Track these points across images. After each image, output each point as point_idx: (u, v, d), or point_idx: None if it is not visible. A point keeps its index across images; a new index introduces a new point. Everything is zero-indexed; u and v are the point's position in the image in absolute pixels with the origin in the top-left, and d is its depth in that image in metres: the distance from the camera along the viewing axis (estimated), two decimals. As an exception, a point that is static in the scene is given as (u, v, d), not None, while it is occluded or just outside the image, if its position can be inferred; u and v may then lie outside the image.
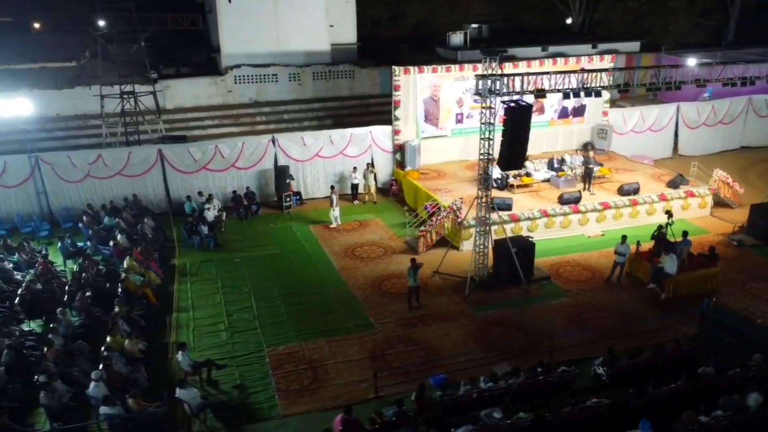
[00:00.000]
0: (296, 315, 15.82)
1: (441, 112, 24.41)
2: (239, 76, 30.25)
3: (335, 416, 11.90)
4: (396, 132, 24.02)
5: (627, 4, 38.28)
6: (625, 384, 12.16)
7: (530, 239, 17.60)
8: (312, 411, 12.34)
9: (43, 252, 18.48)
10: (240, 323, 15.46)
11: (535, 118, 24.92)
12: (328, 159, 23.77)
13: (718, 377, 11.97)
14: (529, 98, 16.58)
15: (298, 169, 23.36)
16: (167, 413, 11.63)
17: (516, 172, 22.51)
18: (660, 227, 17.88)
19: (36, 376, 12.28)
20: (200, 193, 22.09)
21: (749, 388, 11.16)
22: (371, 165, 23.77)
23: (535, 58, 33.33)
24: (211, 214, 20.82)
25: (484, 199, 16.75)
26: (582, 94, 16.80)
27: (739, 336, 13.41)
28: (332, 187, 21.69)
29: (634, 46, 37.29)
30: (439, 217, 19.27)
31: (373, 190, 23.63)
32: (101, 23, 28.26)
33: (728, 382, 11.84)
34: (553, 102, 25.67)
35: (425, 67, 24.05)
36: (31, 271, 17.54)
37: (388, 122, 25.37)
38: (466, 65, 24.88)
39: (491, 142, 16.44)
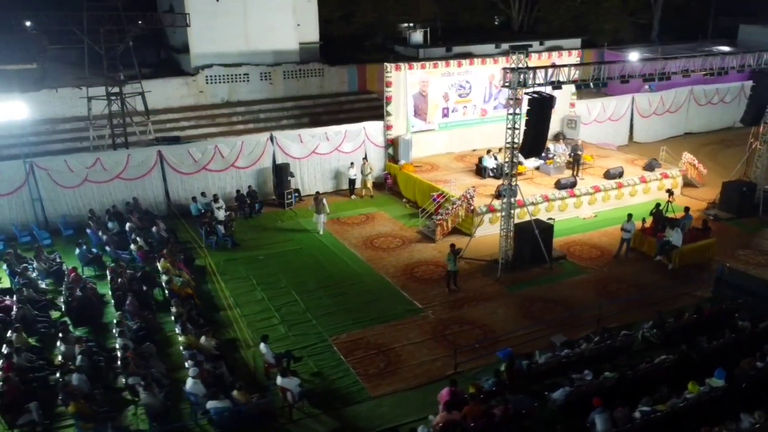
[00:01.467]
0: (344, 305, 16.24)
1: (429, 107, 25.34)
2: (211, 76, 29.85)
3: (424, 393, 12.72)
4: (388, 127, 24.71)
5: (567, 4, 40.84)
6: (672, 344, 13.59)
7: (551, 221, 18.88)
8: (399, 390, 12.92)
9: (57, 260, 17.82)
10: (291, 316, 15.70)
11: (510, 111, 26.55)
12: (324, 156, 24.13)
13: (753, 329, 13.66)
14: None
15: (295, 167, 23.55)
16: (272, 403, 11.88)
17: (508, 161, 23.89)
18: (657, 205, 19.72)
19: (125, 380, 12.13)
20: (203, 194, 21.91)
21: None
22: (362, 160, 24.32)
23: (491, 55, 35.13)
24: (221, 214, 20.70)
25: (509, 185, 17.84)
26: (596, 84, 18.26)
27: (754, 295, 15.23)
28: (317, 193, 21.25)
29: (576, 42, 39.88)
30: (454, 206, 20.19)
31: (369, 184, 24.21)
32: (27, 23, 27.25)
33: (765, 332, 13.54)
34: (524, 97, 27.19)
35: (414, 64, 24.93)
36: (48, 279, 17.02)
37: (362, 119, 26.34)
38: (451, 61, 25.87)
39: (516, 131, 17.47)
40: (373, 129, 24.69)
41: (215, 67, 29.83)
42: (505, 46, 38.06)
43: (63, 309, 15.32)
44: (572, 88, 28.07)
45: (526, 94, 17.15)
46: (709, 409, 11.25)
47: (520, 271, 18.01)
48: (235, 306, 16.18)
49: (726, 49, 38.69)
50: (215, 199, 21.31)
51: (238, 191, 22.49)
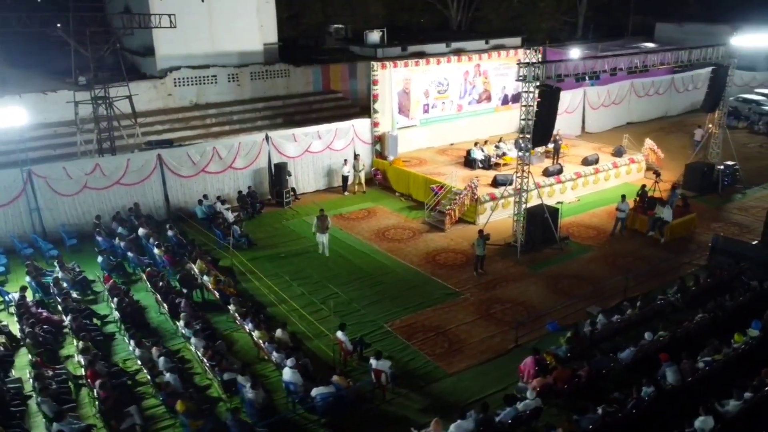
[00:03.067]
0: (386, 294, 16.84)
1: (411, 104, 26.25)
2: (179, 78, 29.23)
3: (495, 366, 13.71)
4: (375, 124, 25.39)
5: (506, 4, 43.03)
6: (693, 306, 15.28)
7: (559, 203, 20.33)
8: (472, 366, 13.78)
9: (77, 269, 17.24)
10: (339, 307, 16.06)
11: (484, 106, 28.15)
12: (316, 154, 24.47)
13: (762, 287, 15.60)
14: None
15: (290, 166, 23.74)
16: (371, 385, 12.39)
17: (495, 153, 25.30)
18: (643, 187, 21.70)
19: (220, 378, 12.23)
20: (205, 197, 21.74)
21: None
22: (354, 157, 24.88)
23: (443, 54, 36.64)
24: (230, 215, 20.66)
25: (524, 172, 19.10)
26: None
27: (747, 260, 17.29)
28: (321, 211, 19.57)
29: (516, 41, 42.10)
30: (460, 196, 21.23)
31: (362, 180, 24.81)
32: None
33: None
34: (497, 90, 28.79)
35: (398, 62, 25.75)
36: (74, 289, 16.50)
37: (333, 118, 27.10)
38: (431, 59, 26.91)
39: (529, 123, 18.73)
40: (361, 126, 25.28)
41: (183, 69, 29.22)
42: (454, 44, 39.51)
43: (115, 316, 14.95)
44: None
45: (537, 86, 18.38)
46: (754, 355, 12.92)
47: (534, 253, 19.30)
48: (280, 302, 16.37)
49: (651, 45, 42.31)
50: (222, 201, 21.21)
51: (240, 192, 22.45)
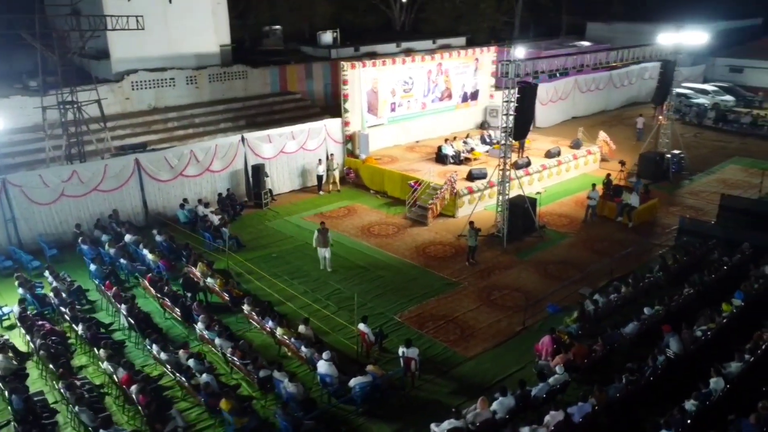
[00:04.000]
0: (387, 287, 17.27)
1: (379, 103, 26.75)
2: (137, 81, 28.45)
3: (509, 348, 14.48)
4: (346, 123, 25.72)
5: (449, 5, 44.20)
6: (674, 283, 16.61)
7: (538, 193, 21.36)
8: (488, 349, 14.46)
9: (68, 279, 16.70)
10: (345, 302, 16.36)
11: (446, 103, 29.07)
12: (290, 154, 24.56)
13: (731, 262, 17.12)
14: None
15: (266, 167, 23.72)
16: (402, 372, 12.83)
17: (464, 148, 26.18)
18: (608, 176, 23.13)
19: (256, 376, 12.32)
20: (186, 200, 21.45)
21: (765, 261, 16.46)
22: (329, 156, 25.15)
23: (394, 54, 37.40)
24: (215, 218, 20.49)
25: (505, 166, 19.99)
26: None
27: (713, 238, 18.86)
28: (322, 224, 18.76)
29: (461, 41, 43.37)
30: (440, 191, 21.92)
31: (337, 179, 25.09)
32: None
33: (741, 263, 17.05)
34: (457, 89, 29.72)
35: (367, 62, 26.18)
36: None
37: (295, 119, 27.55)
38: (396, 59, 27.49)
39: (509, 118, 19.62)
40: (332, 126, 25.54)
41: (141, 72, 28.46)
42: (404, 44, 40.27)
43: (122, 323, 14.67)
44: (492, 80, 31.41)
45: (517, 83, 19.30)
46: (742, 321, 14.26)
47: (517, 241, 20.24)
48: (284, 301, 16.49)
49: (586, 43, 44.67)
50: (206, 204, 21.00)
51: (219, 194, 22.27)
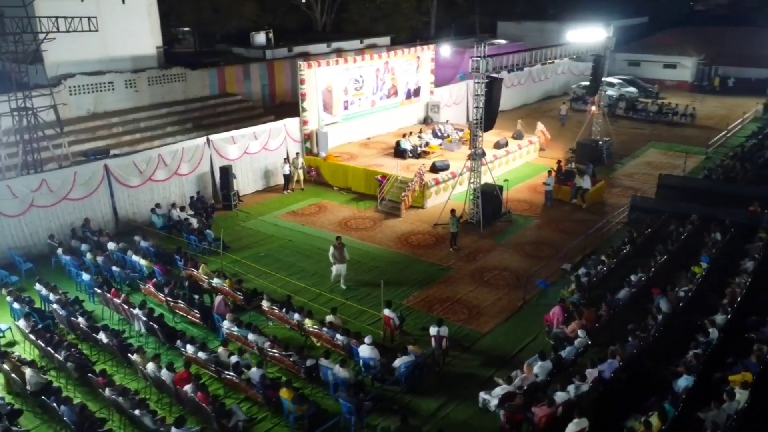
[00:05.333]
0: (384, 276, 17.53)
1: (334, 101, 27.21)
2: (74, 86, 27.14)
3: (517, 321, 15.65)
4: (304, 123, 26.00)
5: (371, 6, 45.17)
6: (641, 254, 18.51)
7: (506, 181, 22.71)
8: (499, 324, 15.54)
9: (59, 290, 16.03)
10: (349, 293, 16.92)
11: (392, 100, 30.07)
12: (253, 155, 24.53)
13: (687, 233, 19.28)
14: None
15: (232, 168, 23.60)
16: (434, 351, 13.59)
17: (419, 142, 27.20)
18: (559, 162, 24.99)
19: (303, 366, 12.64)
20: (158, 205, 20.99)
21: (714, 228, 18.71)
22: (294, 155, 25.33)
23: (325, 54, 38.05)
24: (194, 221, 20.25)
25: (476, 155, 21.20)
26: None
27: (664, 213, 21.06)
28: (338, 239, 17.76)
29: (386, 40, 44.51)
30: (411, 183, 22.80)
31: (301, 178, 25.34)
32: None
33: (695, 231, 19.24)
34: (402, 86, 30.72)
35: (322, 61, 26.56)
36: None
37: (241, 120, 28.11)
38: (349, 58, 28.02)
39: (479, 111, 20.83)
40: (291, 125, 25.74)
41: (78, 77, 27.16)
42: (334, 44, 40.77)
43: (139, 329, 14.37)
44: (432, 77, 32.73)
45: (487, 77, 20.54)
46: (712, 281, 16.25)
47: (489, 227, 21.52)
48: (293, 294, 16.60)
49: (502, 42, 47.19)
50: (182, 207, 20.67)
51: (191, 197, 21.93)
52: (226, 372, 12.32)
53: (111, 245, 18.14)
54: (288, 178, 24.88)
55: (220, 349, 12.99)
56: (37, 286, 15.79)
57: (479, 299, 16.73)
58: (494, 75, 20.97)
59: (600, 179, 24.93)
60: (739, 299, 14.93)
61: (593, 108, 29.24)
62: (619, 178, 26.99)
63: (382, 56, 29.18)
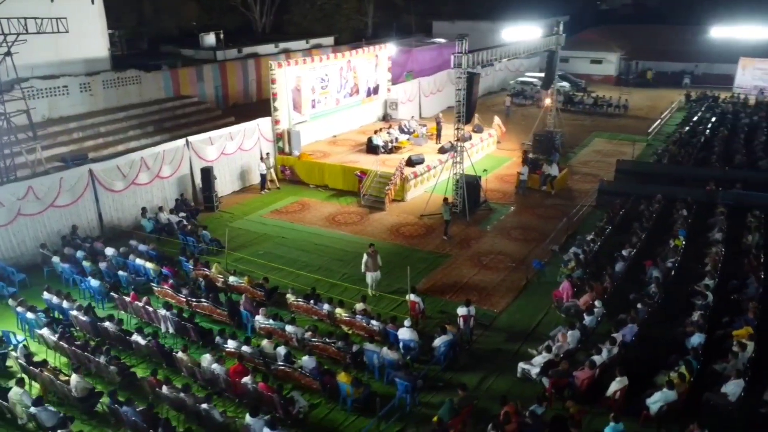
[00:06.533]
0: (388, 265, 18.05)
1: (302, 100, 27.41)
2: (29, 90, 25.88)
3: (526, 300, 16.65)
4: (276, 122, 26.07)
5: (314, 7, 45.37)
6: (619, 232, 20.04)
7: (485, 171, 23.74)
8: (510, 303, 16.47)
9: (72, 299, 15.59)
10: (362, 283, 17.30)
11: (355, 99, 30.67)
12: (230, 155, 24.39)
13: (657, 212, 21.01)
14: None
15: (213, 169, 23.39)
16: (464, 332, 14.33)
17: (389, 138, 27.85)
18: (525, 152, 26.35)
19: (349, 352, 13.03)
20: (144, 209, 20.57)
21: (679, 206, 20.53)
22: (265, 154, 25.38)
23: (272, 54, 38.11)
24: (187, 222, 20.03)
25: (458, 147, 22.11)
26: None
27: (629, 195, 22.79)
28: (371, 246, 17.00)
29: (330, 40, 44.85)
30: (394, 177, 23.43)
31: (275, 177, 25.41)
32: None
33: (664, 210, 21.00)
34: (363, 84, 31.28)
35: (291, 61, 26.69)
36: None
37: (202, 122, 28.18)
38: (315, 57, 28.24)
39: (461, 103, 21.75)
40: (264, 125, 25.75)
41: (32, 81, 25.93)
42: (282, 45, 40.71)
43: (170, 329, 14.24)
44: (389, 75, 33.48)
45: (467, 72, 21.48)
46: (693, 252, 17.93)
47: (471, 215, 22.49)
48: (307, 287, 16.82)
49: (442, 40, 48.61)
50: (171, 210, 20.39)
51: (177, 200, 21.61)
52: (278, 363, 12.52)
53: (109, 251, 17.68)
54: (264, 177, 24.87)
55: (264, 342, 13.15)
56: (46, 295, 15.26)
57: (485, 282, 17.61)
58: (472, 70, 21.93)
59: (563, 167, 26.51)
60: (720, 266, 16.62)
61: (548, 101, 30.89)
62: (576, 166, 28.75)
63: (345, 55, 29.62)
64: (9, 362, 13.50)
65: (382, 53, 32.30)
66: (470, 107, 22.26)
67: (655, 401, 11.48)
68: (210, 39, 36.61)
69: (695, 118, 35.12)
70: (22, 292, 16.32)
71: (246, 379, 11.79)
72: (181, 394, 11.37)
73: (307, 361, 12.45)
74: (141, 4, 39.05)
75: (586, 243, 18.43)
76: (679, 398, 11.51)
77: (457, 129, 22.24)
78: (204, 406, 11.06)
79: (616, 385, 11.86)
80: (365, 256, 16.50)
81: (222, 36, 37.49)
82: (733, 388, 11.70)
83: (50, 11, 25.98)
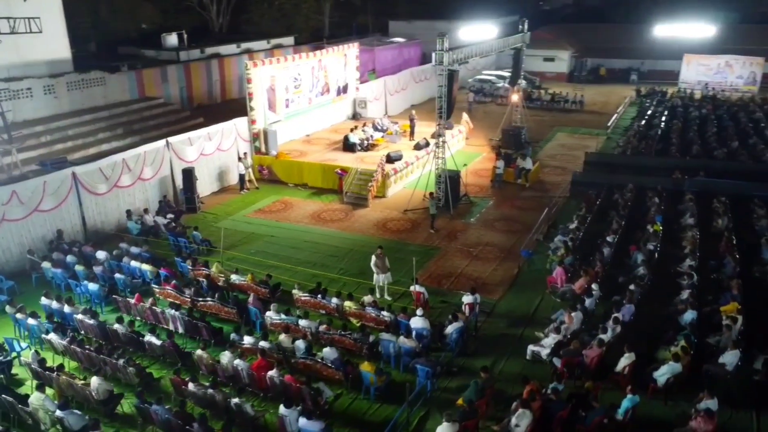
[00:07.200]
0: None
1: (277, 100, 27.38)
2: (-10, 93, 24.99)
3: (521, 286, 17.30)
4: (252, 122, 25.98)
5: (272, 7, 45.12)
6: (598, 220, 20.99)
7: (464, 165, 24.30)
8: (507, 291, 17.04)
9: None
10: (362, 277, 17.52)
11: (326, 97, 30.89)
12: (208, 156, 24.19)
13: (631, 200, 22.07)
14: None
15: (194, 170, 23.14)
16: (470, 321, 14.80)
17: (364, 136, 28.12)
18: (499, 147, 27.11)
19: (366, 342, 13.29)
20: (129, 211, 20.23)
21: (651, 194, 21.64)
22: (243, 154, 25.27)
23: (235, 54, 37.93)
24: (164, 221, 19.85)
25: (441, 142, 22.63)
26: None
27: (600, 185, 23.81)
28: (380, 249, 16.97)
29: (290, 40, 44.70)
30: (376, 174, 23.74)
31: (253, 177, 25.33)
32: None
33: (638, 195, 22.07)
34: (333, 83, 31.46)
35: (265, 60, 26.63)
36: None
37: (171, 124, 28.02)
38: (288, 57, 28.23)
39: (443, 100, 22.25)
40: (241, 125, 25.62)
41: (-5, 83, 25.05)
42: (243, 45, 40.35)
43: (181, 329, 14.15)
44: (357, 74, 33.76)
45: (447, 69, 21.99)
46: (670, 235, 18.97)
47: (453, 209, 23.04)
48: (308, 283, 16.96)
49: (401, 40, 49.17)
50: (157, 212, 20.12)
51: (160, 201, 21.33)
52: (299, 356, 12.67)
53: (102, 254, 17.35)
54: (243, 177, 24.77)
55: (282, 336, 13.26)
56: (44, 301, 14.90)
57: (478, 271, 18.16)
58: (452, 68, 22.46)
59: (534, 161, 27.42)
60: (697, 247, 17.69)
61: (515, 97, 31.79)
62: (544, 159, 29.71)
63: (316, 54, 29.73)
64: (14, 369, 13.16)
65: (350, 52, 32.56)
66: (450, 103, 22.75)
67: (663, 374, 12.23)
68: (172, 39, 35.98)
69: (649, 112, 36.80)
70: (20, 299, 15.84)
71: (272, 373, 11.90)
72: (210, 391, 11.39)
73: (328, 352, 12.65)
74: (96, 6, 37.95)
75: (571, 231, 19.21)
76: (684, 370, 12.30)
77: (439, 125, 22.69)
78: (235, 400, 11.13)
79: (625, 361, 12.56)
80: (374, 258, 16.40)
81: (186, 36, 36.83)
82: (730, 358, 12.58)
83: (13, 11, 25.28)
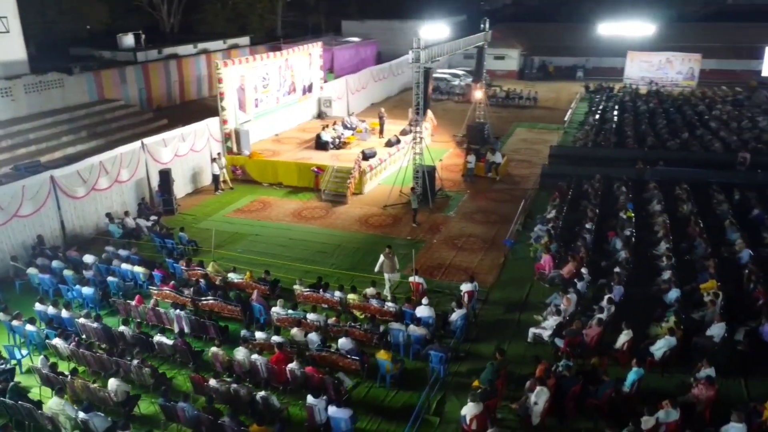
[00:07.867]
0: (371, 254, 18.56)
1: (247, 99, 27.23)
2: (-55, 97, 23.89)
3: (510, 274, 17.99)
4: (224, 122, 25.78)
5: (225, 7, 44.57)
6: (572, 209, 21.93)
7: (440, 160, 24.80)
8: (497, 279, 17.63)
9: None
10: (355, 271, 17.82)
11: (292, 97, 30.99)
12: (182, 157, 23.89)
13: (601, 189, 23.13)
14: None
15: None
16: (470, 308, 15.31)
17: (336, 134, 28.30)
18: (469, 143, 27.80)
19: (377, 332, 13.57)
20: (108, 214, 19.84)
21: (618, 183, 22.77)
22: (216, 155, 25.07)
23: (193, 54, 37.54)
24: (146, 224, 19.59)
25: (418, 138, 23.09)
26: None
27: (571, 176, 24.80)
28: (389, 248, 16.71)
29: (246, 40, 44.27)
30: (354, 171, 23.99)
31: (227, 177, 25.16)
32: None
33: (608, 184, 23.15)
34: (299, 82, 31.49)
35: (235, 60, 26.45)
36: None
37: (135, 126, 27.84)
38: (256, 56, 28.08)
39: (419, 97, 22.71)
40: (213, 125, 25.39)
41: (-51, 86, 23.94)
42: (200, 45, 39.74)
43: (186, 329, 14.05)
44: (321, 73, 33.89)
45: (423, 67, 22.47)
46: (641, 221, 20.03)
47: (432, 203, 23.55)
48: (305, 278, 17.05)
49: (356, 39, 49.47)
50: (139, 214, 19.76)
51: (139, 204, 20.97)
52: (314, 349, 12.86)
53: (90, 258, 16.98)
54: (217, 178, 24.58)
55: (294, 330, 13.40)
56: (39, 306, 14.52)
57: (466, 262, 18.71)
58: (427, 65, 22.95)
59: (502, 154, 28.27)
60: (670, 233, 18.79)
61: (479, 94, 32.56)
62: (509, 154, 30.58)
63: (283, 53, 29.71)
64: (16, 377, 12.81)
65: (314, 51, 32.66)
66: (426, 100, 23.25)
67: (660, 348, 13.06)
68: (128, 40, 35.10)
69: (600, 107, 38.38)
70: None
71: (292, 366, 12.05)
72: (234, 386, 11.46)
73: (344, 342, 12.89)
74: (43, 7, 36.58)
75: (551, 220, 20.02)
76: (678, 343, 13.16)
77: (416, 121, 23.16)
78: (261, 393, 11.25)
79: (624, 338, 13.34)
80: (382, 258, 16.26)
81: (143, 37, 35.99)
82: (717, 330, 13.55)
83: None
